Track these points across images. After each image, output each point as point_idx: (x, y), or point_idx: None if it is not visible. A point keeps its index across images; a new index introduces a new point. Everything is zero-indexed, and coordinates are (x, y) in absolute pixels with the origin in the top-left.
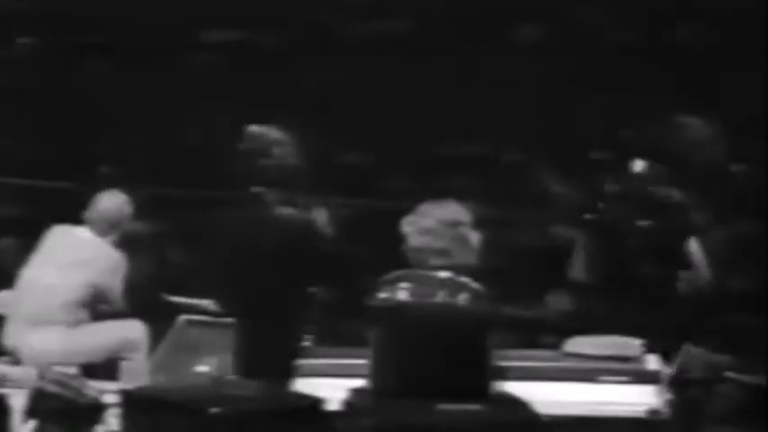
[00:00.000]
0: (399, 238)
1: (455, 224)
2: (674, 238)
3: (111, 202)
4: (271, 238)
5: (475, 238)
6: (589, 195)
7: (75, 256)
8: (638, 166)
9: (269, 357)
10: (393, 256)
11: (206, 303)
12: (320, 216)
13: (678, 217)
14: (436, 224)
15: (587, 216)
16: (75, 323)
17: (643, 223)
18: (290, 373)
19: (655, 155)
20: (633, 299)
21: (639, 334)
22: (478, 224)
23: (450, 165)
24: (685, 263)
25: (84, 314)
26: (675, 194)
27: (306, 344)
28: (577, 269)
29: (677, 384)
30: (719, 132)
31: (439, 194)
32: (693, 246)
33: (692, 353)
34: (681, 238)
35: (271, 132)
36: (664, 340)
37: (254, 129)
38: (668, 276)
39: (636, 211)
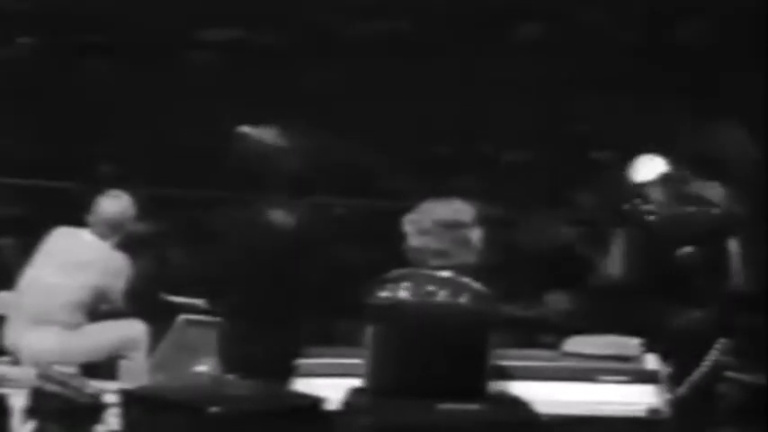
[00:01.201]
0: (400, 238)
1: (455, 225)
2: (715, 232)
3: (114, 204)
4: (264, 240)
5: (476, 237)
6: (622, 192)
7: (77, 258)
8: (663, 163)
9: (264, 358)
10: (393, 256)
11: (206, 303)
12: (307, 218)
13: (721, 209)
14: (436, 225)
15: (625, 210)
16: (76, 324)
17: (686, 211)
18: (290, 372)
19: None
20: (662, 294)
21: (639, 333)
22: (481, 222)
23: (450, 165)
24: (725, 262)
25: (84, 315)
26: (717, 188)
27: (305, 344)
28: (613, 265)
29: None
30: (751, 134)
31: (440, 194)
32: (733, 246)
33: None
34: (722, 232)
35: (268, 134)
36: (666, 338)
37: (250, 130)
38: (708, 272)
39: (678, 203)
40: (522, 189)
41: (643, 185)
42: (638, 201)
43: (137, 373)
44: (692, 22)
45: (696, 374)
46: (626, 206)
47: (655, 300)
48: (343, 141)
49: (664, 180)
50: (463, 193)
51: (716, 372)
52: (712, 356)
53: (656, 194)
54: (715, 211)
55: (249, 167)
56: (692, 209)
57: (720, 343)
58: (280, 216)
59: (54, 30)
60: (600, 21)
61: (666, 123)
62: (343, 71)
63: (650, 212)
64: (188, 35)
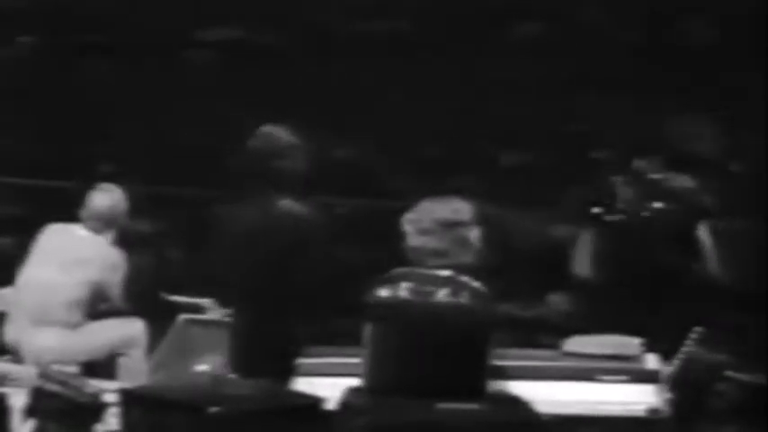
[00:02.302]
0: (400, 238)
1: (454, 224)
2: (686, 225)
3: (105, 199)
4: (271, 236)
5: (475, 236)
6: (594, 192)
7: (74, 254)
8: (641, 161)
9: (268, 356)
10: (393, 255)
11: (205, 303)
12: (314, 217)
13: (690, 202)
14: (435, 225)
15: (595, 211)
16: (76, 322)
17: (655, 207)
18: (290, 372)
19: (658, 151)
20: (640, 293)
21: (639, 333)
22: (480, 221)
23: (450, 165)
24: (697, 250)
25: (84, 313)
26: (686, 181)
27: (305, 344)
28: (581, 265)
29: (677, 384)
30: (719, 127)
31: (440, 194)
32: (703, 233)
33: (694, 353)
34: (693, 225)
35: (284, 134)
36: (666, 337)
37: (267, 129)
38: (681, 264)
39: (647, 200)
40: (522, 189)
41: (615, 184)
42: (607, 200)
43: (136, 370)
44: (692, 22)
45: (673, 366)
46: (594, 206)
47: (636, 297)
48: (343, 141)
49: (632, 177)
50: (463, 193)
51: (693, 362)
52: (687, 347)
53: (626, 192)
54: (684, 205)
55: (268, 167)
56: (661, 205)
57: (695, 333)
58: (285, 214)
59: (54, 30)
60: (600, 21)
61: (666, 123)
62: (344, 71)
63: (620, 210)
64: (188, 35)
